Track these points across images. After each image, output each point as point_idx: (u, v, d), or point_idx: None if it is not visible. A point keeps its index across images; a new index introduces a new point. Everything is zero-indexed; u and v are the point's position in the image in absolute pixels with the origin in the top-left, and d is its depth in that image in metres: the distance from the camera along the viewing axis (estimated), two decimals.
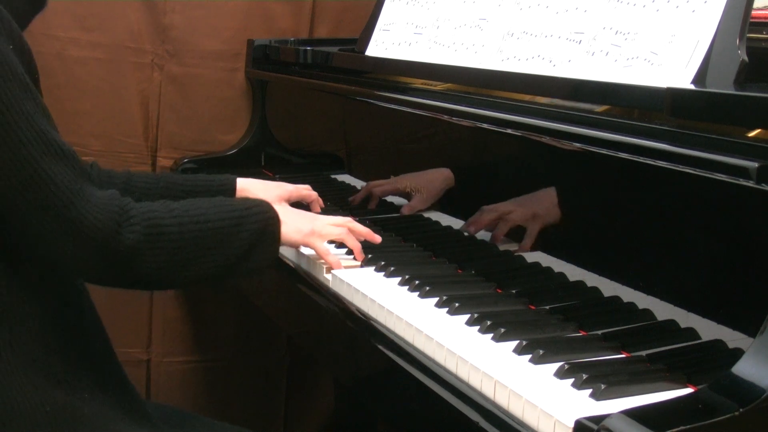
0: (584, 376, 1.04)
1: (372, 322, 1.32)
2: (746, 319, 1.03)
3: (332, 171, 2.04)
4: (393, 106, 1.70)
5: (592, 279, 1.29)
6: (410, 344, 1.23)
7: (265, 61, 2.25)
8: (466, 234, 1.54)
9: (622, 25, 1.34)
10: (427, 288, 1.35)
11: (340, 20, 2.36)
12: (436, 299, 1.31)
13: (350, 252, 1.53)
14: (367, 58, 1.93)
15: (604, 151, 1.20)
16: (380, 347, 1.27)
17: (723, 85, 1.15)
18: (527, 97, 1.44)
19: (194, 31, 2.23)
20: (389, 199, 1.79)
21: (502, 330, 1.18)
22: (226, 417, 1.68)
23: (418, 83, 1.73)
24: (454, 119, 1.52)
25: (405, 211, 1.71)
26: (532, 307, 1.30)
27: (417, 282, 1.37)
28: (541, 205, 1.38)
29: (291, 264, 1.59)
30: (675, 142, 1.10)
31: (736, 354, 1.01)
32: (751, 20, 1.20)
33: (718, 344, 1.09)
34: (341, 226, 1.51)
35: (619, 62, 1.32)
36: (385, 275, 1.44)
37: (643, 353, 1.13)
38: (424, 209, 1.68)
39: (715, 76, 1.18)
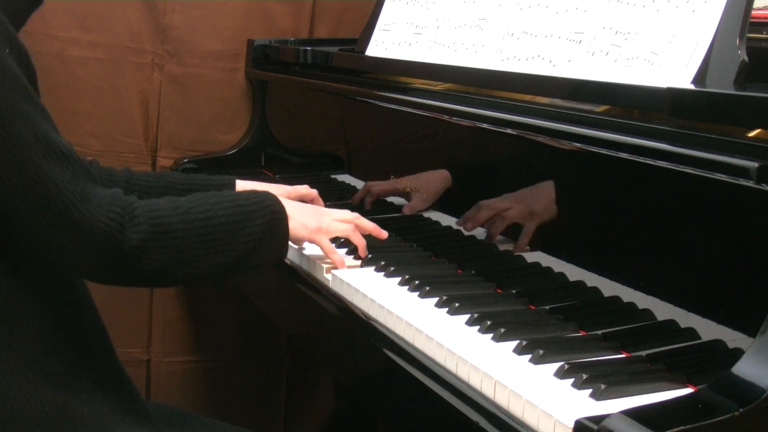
0: (584, 376, 1.04)
1: (372, 322, 1.32)
2: (746, 319, 1.03)
3: (332, 171, 2.04)
4: (393, 106, 1.70)
5: (592, 279, 1.29)
6: (410, 344, 1.23)
7: (265, 61, 2.24)
8: (463, 231, 1.53)
9: (622, 25, 1.34)
10: (427, 288, 1.35)
11: (340, 20, 2.36)
12: (436, 299, 1.31)
13: (351, 252, 1.54)
14: (367, 58, 1.92)
15: (604, 151, 1.20)
16: (380, 347, 1.27)
17: (723, 85, 1.15)
18: (527, 97, 1.43)
19: (194, 31, 2.23)
20: (389, 199, 1.79)
21: (502, 330, 1.18)
22: (226, 417, 1.68)
23: (418, 83, 1.72)
24: (454, 119, 1.52)
25: (406, 211, 1.71)
26: (532, 307, 1.30)
27: (417, 282, 1.37)
28: (539, 201, 1.37)
29: (291, 264, 1.59)
30: (675, 142, 1.10)
31: (736, 354, 1.01)
32: (751, 20, 1.20)
33: (718, 344, 1.09)
34: (348, 222, 1.50)
35: (619, 62, 1.32)
36: (385, 275, 1.44)
37: (643, 353, 1.13)
38: (424, 209, 1.68)
39: (715, 76, 1.18)
